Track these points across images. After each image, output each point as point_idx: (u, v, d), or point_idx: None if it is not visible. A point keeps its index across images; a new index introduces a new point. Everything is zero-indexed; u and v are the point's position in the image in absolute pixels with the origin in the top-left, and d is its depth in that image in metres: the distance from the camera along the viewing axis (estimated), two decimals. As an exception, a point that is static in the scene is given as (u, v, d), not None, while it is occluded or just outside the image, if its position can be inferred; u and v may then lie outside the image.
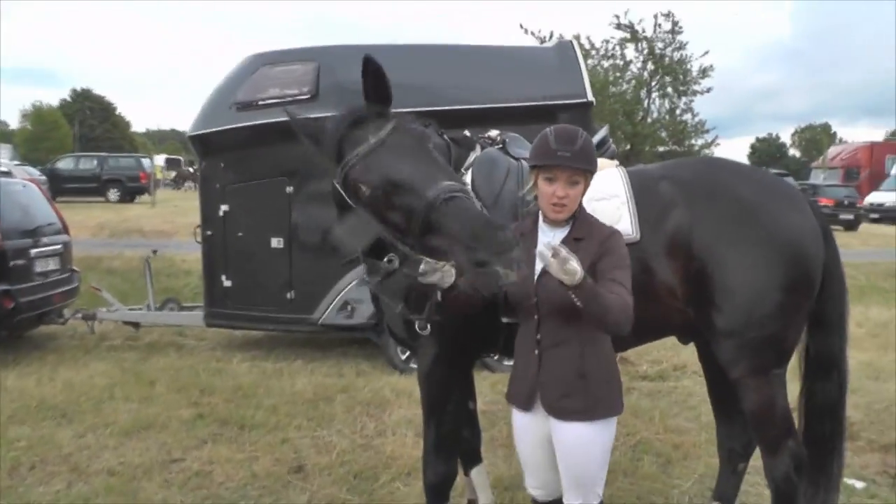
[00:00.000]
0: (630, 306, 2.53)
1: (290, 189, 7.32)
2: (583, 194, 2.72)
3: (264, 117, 7.02)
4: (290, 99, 6.90)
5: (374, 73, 2.75)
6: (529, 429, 2.80)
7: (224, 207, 7.53)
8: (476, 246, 2.32)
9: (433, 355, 3.23)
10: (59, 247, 8.80)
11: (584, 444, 2.69)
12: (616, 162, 3.52)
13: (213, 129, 7.40)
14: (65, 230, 9.23)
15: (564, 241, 2.66)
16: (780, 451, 3.25)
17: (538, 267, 2.66)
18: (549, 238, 2.71)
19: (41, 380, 6.96)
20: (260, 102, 7.16)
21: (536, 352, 2.71)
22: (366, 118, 2.78)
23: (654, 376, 7.24)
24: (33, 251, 8.20)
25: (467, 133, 3.51)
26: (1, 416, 5.87)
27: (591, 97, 7.05)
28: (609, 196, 3.21)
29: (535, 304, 2.70)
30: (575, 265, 2.37)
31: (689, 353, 7.58)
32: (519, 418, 2.84)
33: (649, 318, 3.18)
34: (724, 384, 3.52)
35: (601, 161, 3.44)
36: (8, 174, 8.99)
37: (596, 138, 3.68)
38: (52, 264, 8.59)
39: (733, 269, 3.12)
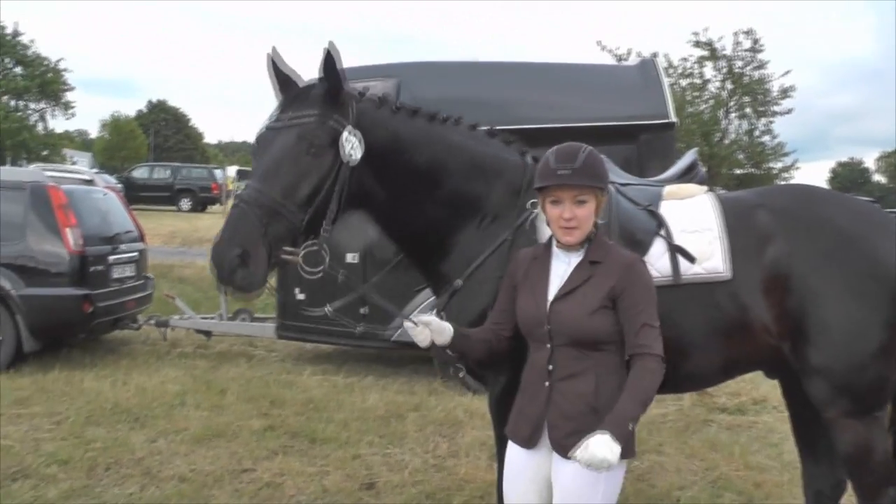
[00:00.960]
0: (658, 359, 2.42)
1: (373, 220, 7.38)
2: (596, 214, 2.56)
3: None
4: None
5: (328, 61, 2.81)
6: (527, 468, 2.60)
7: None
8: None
9: (503, 384, 3.06)
10: (135, 254, 9.10)
11: (587, 485, 2.44)
12: (706, 188, 3.38)
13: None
14: (141, 238, 9.55)
15: (579, 266, 2.55)
16: (879, 499, 3.09)
17: (551, 292, 2.55)
18: (563, 263, 2.59)
19: (115, 383, 7.17)
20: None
21: (547, 383, 2.53)
22: (297, 93, 2.87)
23: (733, 409, 7.04)
24: (111, 258, 8.49)
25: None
26: (79, 417, 6.08)
27: (674, 117, 6.96)
28: (701, 229, 3.08)
29: (548, 333, 2.53)
30: None
31: (769, 387, 7.41)
32: (516, 456, 2.64)
33: (740, 356, 3.12)
34: (812, 423, 3.40)
35: (690, 187, 3.35)
36: (90, 182, 9.28)
37: (685, 162, 3.57)
38: (129, 271, 8.87)
39: (832, 303, 2.97)
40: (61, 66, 44.31)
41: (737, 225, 3.09)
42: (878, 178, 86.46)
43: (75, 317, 7.88)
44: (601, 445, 2.26)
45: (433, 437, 5.89)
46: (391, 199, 3.06)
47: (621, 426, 2.31)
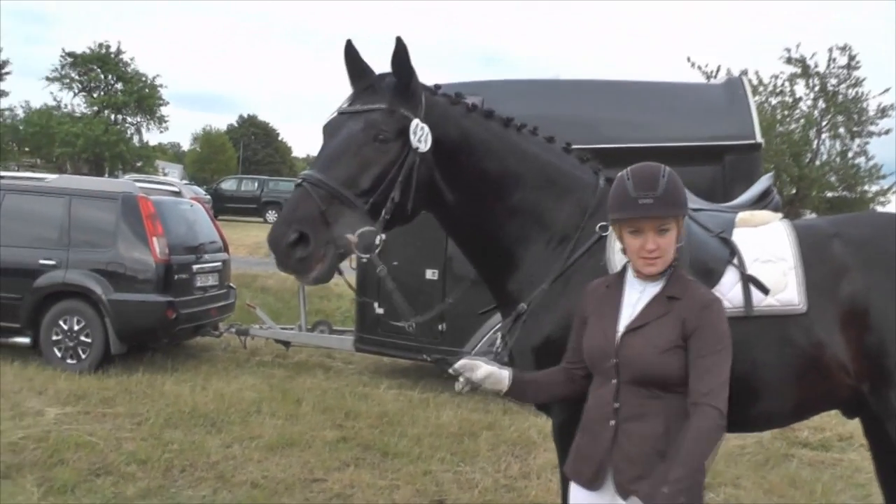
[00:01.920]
0: (718, 412, 2.20)
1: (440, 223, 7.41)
2: (677, 240, 2.38)
3: (427, 147, 7.16)
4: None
5: (399, 52, 2.80)
6: None
7: (381, 236, 7.72)
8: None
9: (566, 417, 2.86)
10: (218, 264, 9.38)
11: None
12: (780, 215, 3.18)
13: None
14: (225, 249, 9.84)
15: (656, 299, 2.37)
16: None
17: (622, 323, 2.38)
18: (637, 293, 2.42)
19: (194, 388, 7.39)
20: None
21: (612, 422, 2.34)
22: (368, 84, 2.87)
23: (816, 445, 6.72)
24: (195, 267, 8.78)
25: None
26: (159, 419, 6.27)
27: (760, 138, 6.75)
28: (775, 259, 2.88)
29: (615, 367, 2.35)
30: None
31: (856, 423, 7.03)
32: (580, 496, 2.46)
33: (815, 396, 2.91)
34: None
35: (764, 214, 3.15)
36: (178, 194, 9.61)
37: (759, 187, 3.37)
38: (212, 280, 9.16)
39: None
40: (157, 81, 46.56)
41: (812, 255, 2.90)
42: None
43: (159, 322, 8.19)
44: None
45: (505, 456, 5.85)
46: (458, 201, 3.01)
47: (664, 495, 2.13)
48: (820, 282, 2.85)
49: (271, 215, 31.78)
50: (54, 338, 8.15)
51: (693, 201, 2.95)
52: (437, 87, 3.05)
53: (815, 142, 24.63)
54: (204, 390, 7.31)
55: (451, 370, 2.55)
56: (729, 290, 2.78)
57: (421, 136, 2.79)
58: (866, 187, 24.77)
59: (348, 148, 2.75)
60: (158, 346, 9.07)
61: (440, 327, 7.59)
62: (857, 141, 24.30)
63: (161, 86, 46.76)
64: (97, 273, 8.12)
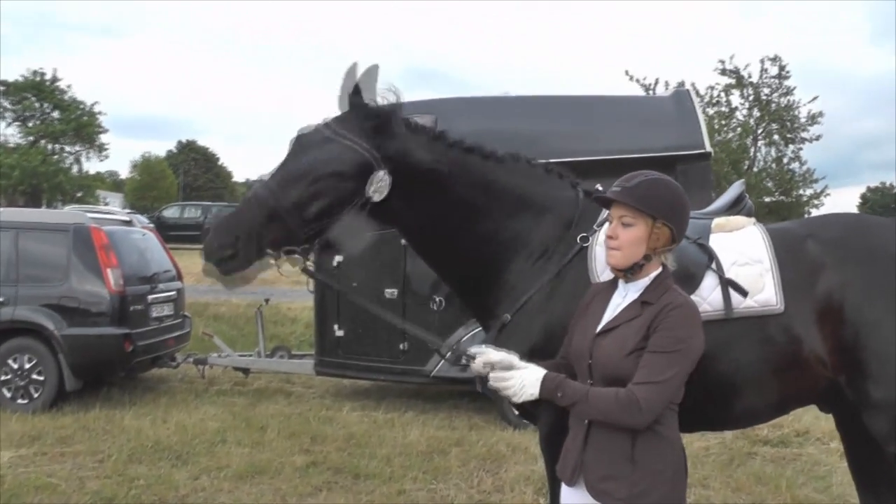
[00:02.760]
0: (632, 401, 2.24)
1: (404, 240, 7.44)
2: (649, 246, 2.41)
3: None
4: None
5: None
6: None
7: (338, 258, 7.72)
8: None
9: (551, 422, 2.91)
10: (173, 293, 9.23)
11: None
12: (753, 220, 3.32)
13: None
14: (179, 277, 9.69)
15: (632, 304, 2.43)
16: None
17: (600, 326, 2.46)
18: (620, 297, 2.49)
19: (155, 421, 7.24)
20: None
21: (586, 421, 2.40)
22: (349, 112, 2.94)
23: (776, 442, 6.92)
24: (150, 297, 8.62)
25: (600, 187, 3.46)
26: (121, 455, 6.12)
27: (709, 147, 6.96)
28: (752, 261, 3.02)
29: (588, 368, 2.43)
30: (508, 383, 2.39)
31: (811, 419, 7.31)
32: (566, 494, 2.54)
33: (795, 391, 3.04)
34: (871, 458, 3.30)
35: (738, 219, 3.29)
36: (129, 223, 9.44)
37: (732, 193, 3.52)
38: (167, 309, 9.00)
39: (891, 335, 2.89)
40: (96, 109, 45.45)
41: (787, 257, 3.03)
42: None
43: (116, 356, 8.01)
44: (530, 377, 2.38)
45: (477, 472, 5.86)
46: (431, 232, 3.08)
47: (553, 387, 2.35)
48: (796, 281, 2.98)
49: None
50: (3, 378, 7.89)
51: None
52: (413, 121, 3.10)
53: (752, 149, 25.40)
54: (165, 423, 7.17)
55: (466, 355, 2.58)
56: (709, 294, 2.90)
57: (378, 187, 2.88)
58: (801, 191, 25.59)
59: (307, 174, 2.84)
60: (115, 380, 8.87)
61: (401, 346, 7.59)
62: (791, 147, 25.16)
63: (100, 113, 45.75)
64: (49, 308, 7.90)
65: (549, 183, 3.25)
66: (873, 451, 3.18)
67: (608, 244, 2.46)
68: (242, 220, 2.81)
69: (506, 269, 3.12)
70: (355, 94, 2.94)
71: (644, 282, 2.46)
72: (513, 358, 2.50)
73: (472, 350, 2.56)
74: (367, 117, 2.89)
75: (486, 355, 2.49)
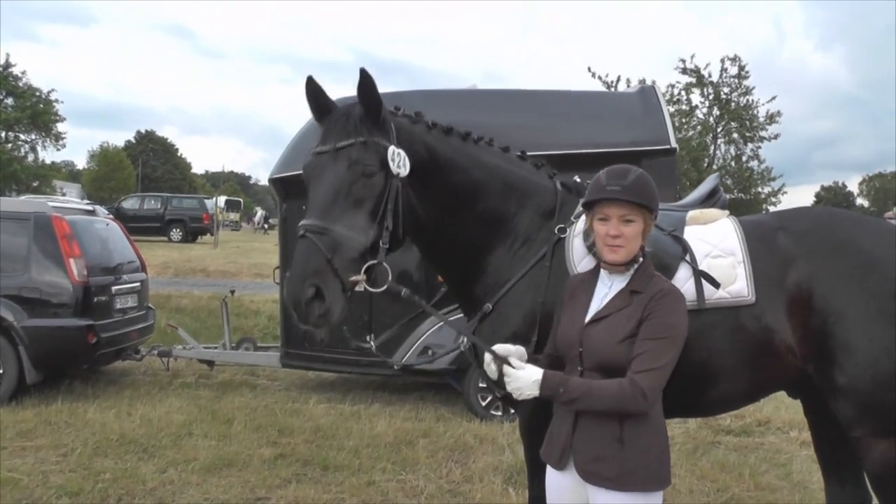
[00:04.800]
0: (635, 388, 2.34)
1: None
2: (643, 236, 2.56)
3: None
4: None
5: (366, 83, 2.85)
6: (565, 491, 2.59)
7: (385, 266, 7.60)
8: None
9: (532, 408, 2.98)
10: (137, 284, 9.08)
11: None
12: (727, 212, 3.42)
13: (295, 172, 7.56)
14: (143, 268, 9.54)
15: (620, 293, 2.53)
16: None
17: (589, 315, 2.55)
18: (605, 287, 2.59)
19: (120, 414, 7.14)
20: (344, 145, 7.26)
21: None
22: (337, 119, 2.90)
23: (739, 431, 7.10)
24: (114, 288, 8.47)
25: (577, 178, 3.51)
26: (86, 449, 6.03)
27: (674, 143, 7.05)
28: (725, 253, 3.11)
29: (579, 356, 2.52)
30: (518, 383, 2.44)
31: (771, 409, 7.50)
32: (553, 477, 2.63)
33: (766, 378, 3.14)
34: (836, 443, 3.41)
35: (712, 212, 3.39)
36: (93, 213, 9.27)
37: (706, 187, 3.62)
38: (131, 301, 8.86)
39: (855, 324, 2.99)
40: (52, 96, 44.47)
41: (759, 249, 3.13)
42: (861, 201, 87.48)
43: (79, 348, 7.85)
44: (530, 376, 2.43)
45: (445, 462, 5.90)
46: (428, 215, 3.10)
47: (554, 384, 2.41)
48: (767, 272, 3.07)
49: (176, 233, 30.99)
50: (-40, 371, 7.68)
51: None
52: (398, 108, 3.11)
53: (712, 147, 25.83)
54: (130, 416, 7.08)
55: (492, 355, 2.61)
56: (683, 285, 2.97)
57: (399, 161, 2.87)
58: (759, 189, 26.11)
59: (339, 189, 2.80)
60: (77, 372, 8.72)
61: (368, 338, 7.57)
62: (750, 146, 25.66)
63: (57, 101, 44.79)
64: (8, 299, 7.71)
65: (527, 169, 3.35)
66: (838, 437, 3.28)
67: (612, 243, 2.51)
68: (311, 265, 2.69)
69: (492, 256, 3.20)
70: (326, 104, 2.97)
71: (630, 270, 2.56)
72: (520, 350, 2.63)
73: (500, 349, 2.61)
74: (368, 111, 2.88)
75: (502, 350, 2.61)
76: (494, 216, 3.20)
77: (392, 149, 2.86)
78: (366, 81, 2.85)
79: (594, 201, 2.56)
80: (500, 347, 2.62)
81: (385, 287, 2.84)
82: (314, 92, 2.97)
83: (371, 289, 2.82)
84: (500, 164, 3.27)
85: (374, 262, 2.81)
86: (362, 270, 2.77)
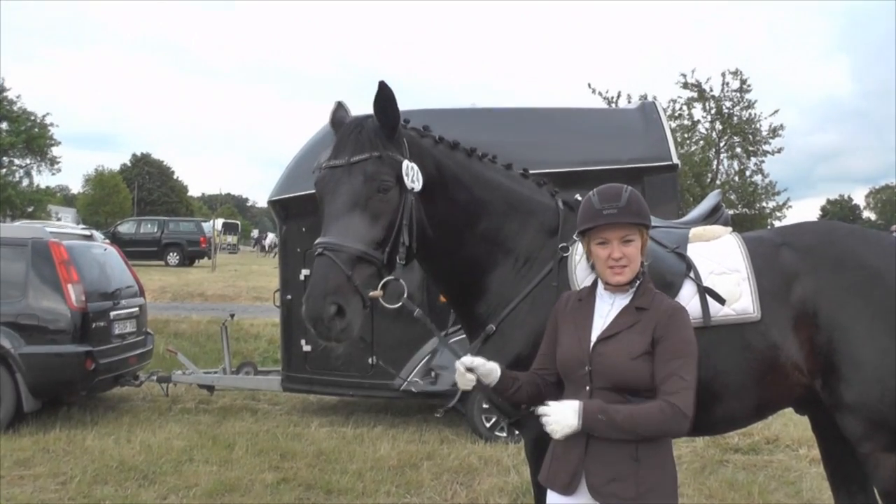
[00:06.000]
0: (673, 409, 2.37)
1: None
2: (642, 252, 2.59)
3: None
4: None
5: (385, 96, 2.88)
6: None
7: (305, 272, 7.70)
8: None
9: (540, 427, 2.85)
10: (135, 309, 9.12)
11: None
12: (730, 228, 3.47)
13: (295, 194, 7.63)
14: (141, 293, 9.58)
15: (625, 310, 2.55)
16: None
17: (595, 333, 2.56)
18: (607, 305, 2.60)
19: (119, 441, 7.17)
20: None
21: None
22: (351, 131, 2.92)
23: (747, 449, 7.11)
24: (112, 313, 8.51)
25: (579, 197, 3.55)
26: (85, 476, 6.04)
27: (676, 159, 7.10)
28: (729, 270, 3.15)
29: (588, 375, 2.51)
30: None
31: (779, 426, 7.50)
32: (557, 501, 2.60)
33: (773, 396, 3.17)
34: (845, 458, 3.43)
35: (715, 229, 3.43)
36: (90, 237, 9.32)
37: (709, 203, 3.66)
38: (129, 327, 8.89)
39: (862, 339, 3.03)
40: (47, 120, 44.59)
41: (763, 265, 3.16)
42: (868, 214, 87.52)
43: (77, 374, 7.87)
44: (567, 409, 2.41)
45: (450, 485, 5.93)
46: (436, 233, 3.12)
47: (593, 412, 2.39)
48: (772, 289, 3.11)
49: (173, 257, 31.02)
50: (-43, 399, 7.69)
51: None
52: (406, 121, 3.13)
53: (715, 162, 25.85)
54: (129, 442, 7.10)
55: (464, 366, 2.66)
56: (687, 302, 2.99)
57: (413, 175, 2.91)
58: (764, 204, 26.08)
59: (355, 204, 2.82)
60: (75, 399, 8.73)
61: (370, 360, 7.61)
62: (754, 160, 25.64)
63: (52, 124, 44.92)
64: (6, 326, 7.74)
65: (529, 187, 3.40)
66: (847, 453, 3.30)
67: (616, 265, 2.54)
68: (331, 281, 2.71)
69: (495, 274, 3.22)
70: (341, 118, 3.02)
71: (631, 288, 2.59)
72: (493, 365, 2.66)
73: (475, 363, 2.66)
74: (384, 124, 2.91)
75: (484, 366, 2.65)
76: (497, 235, 3.23)
77: (406, 163, 2.89)
78: (385, 94, 2.87)
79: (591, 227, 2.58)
80: (467, 359, 2.65)
81: (400, 304, 2.86)
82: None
83: (387, 305, 2.86)
84: (504, 182, 3.32)
85: (391, 277, 2.85)
86: (380, 286, 2.81)
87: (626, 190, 2.60)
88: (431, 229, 3.09)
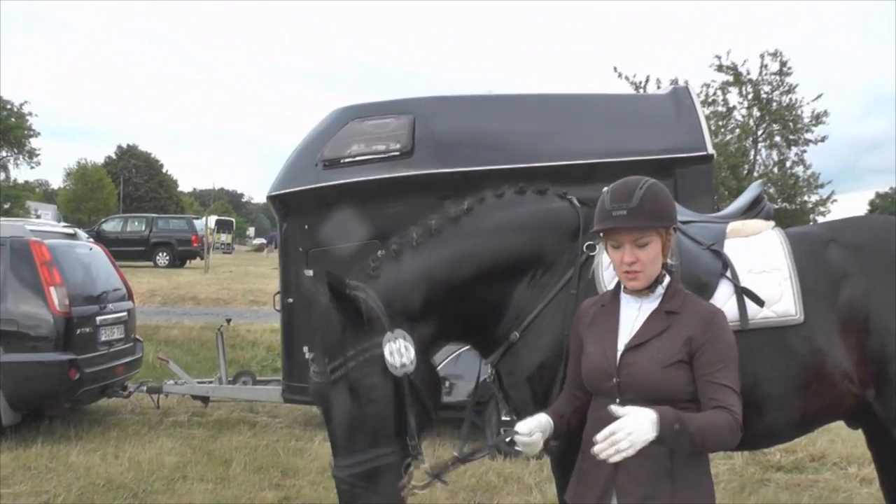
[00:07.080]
0: (736, 420, 2.37)
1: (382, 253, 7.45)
2: (664, 255, 2.53)
3: (353, 175, 7.14)
4: (382, 155, 7.06)
5: (334, 284, 2.92)
6: None
7: (308, 273, 7.70)
8: None
9: (567, 442, 2.94)
10: (123, 314, 9.14)
11: None
12: (773, 223, 3.42)
13: (297, 189, 7.63)
14: (129, 297, 9.61)
15: (654, 315, 2.52)
16: None
17: (621, 341, 2.53)
18: (634, 310, 2.57)
19: (106, 457, 7.21)
20: (348, 159, 7.31)
21: None
22: (321, 339, 2.99)
23: (790, 467, 7.08)
24: (98, 318, 8.53)
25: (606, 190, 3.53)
26: (69, 495, 6.08)
27: (711, 149, 7.05)
28: (769, 269, 3.12)
29: (616, 386, 2.49)
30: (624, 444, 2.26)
31: (826, 442, 7.45)
32: None
33: (820, 407, 3.14)
34: None
35: (756, 223, 3.39)
36: (74, 236, 9.35)
37: (749, 196, 3.64)
38: (117, 333, 8.92)
39: None
40: (25, 109, 44.77)
41: (808, 263, 3.13)
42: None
43: (61, 385, 7.89)
44: (644, 420, 2.26)
45: (467, 503, 5.91)
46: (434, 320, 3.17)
47: (670, 421, 2.28)
48: (817, 289, 3.09)
49: (162, 258, 31.12)
50: (-73, 413, 7.72)
51: (682, 213, 3.16)
52: (375, 267, 3.21)
53: (752, 152, 25.63)
54: (117, 458, 7.14)
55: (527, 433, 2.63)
56: (723, 304, 2.97)
57: (401, 357, 2.90)
58: (806, 197, 25.86)
59: (352, 423, 2.86)
60: (58, 412, 8.75)
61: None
62: (794, 150, 25.39)
63: (30, 114, 45.14)
64: (-18, 332, 7.79)
65: (531, 205, 3.35)
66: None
67: (629, 269, 2.50)
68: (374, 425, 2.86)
69: (511, 299, 3.22)
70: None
71: (658, 290, 2.55)
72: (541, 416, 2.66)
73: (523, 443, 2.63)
74: (346, 314, 2.91)
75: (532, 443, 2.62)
76: (506, 285, 3.23)
77: (388, 348, 2.88)
78: (334, 284, 2.88)
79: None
80: (523, 426, 2.62)
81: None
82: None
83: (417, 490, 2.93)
84: (501, 226, 3.26)
85: (413, 462, 2.91)
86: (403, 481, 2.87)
87: (641, 187, 2.50)
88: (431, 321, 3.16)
